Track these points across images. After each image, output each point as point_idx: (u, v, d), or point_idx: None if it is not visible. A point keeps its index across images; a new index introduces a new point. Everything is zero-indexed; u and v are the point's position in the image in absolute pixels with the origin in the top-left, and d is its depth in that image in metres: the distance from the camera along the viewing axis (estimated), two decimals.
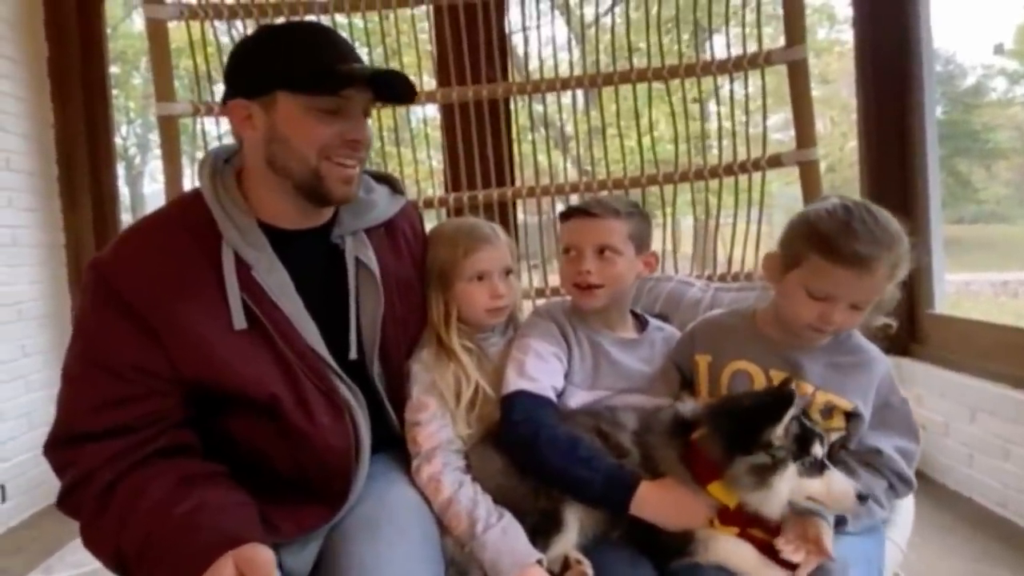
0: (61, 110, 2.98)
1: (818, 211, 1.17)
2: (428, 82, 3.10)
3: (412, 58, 2.58)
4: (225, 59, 1.27)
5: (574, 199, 2.40)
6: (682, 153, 2.34)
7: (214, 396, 1.10)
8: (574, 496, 1.15)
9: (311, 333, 1.13)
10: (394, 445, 1.25)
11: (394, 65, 2.39)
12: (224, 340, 1.08)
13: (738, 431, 1.08)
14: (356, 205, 1.23)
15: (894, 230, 1.14)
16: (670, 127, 2.37)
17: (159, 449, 1.07)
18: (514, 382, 1.23)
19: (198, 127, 2.45)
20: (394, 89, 1.15)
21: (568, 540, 1.13)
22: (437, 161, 2.90)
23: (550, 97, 2.43)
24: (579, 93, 2.49)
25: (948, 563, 2.09)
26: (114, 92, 3.38)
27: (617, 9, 2.58)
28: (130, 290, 1.07)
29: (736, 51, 2.27)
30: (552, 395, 1.25)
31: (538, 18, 2.99)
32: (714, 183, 2.37)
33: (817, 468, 1.08)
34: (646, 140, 2.42)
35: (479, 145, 2.43)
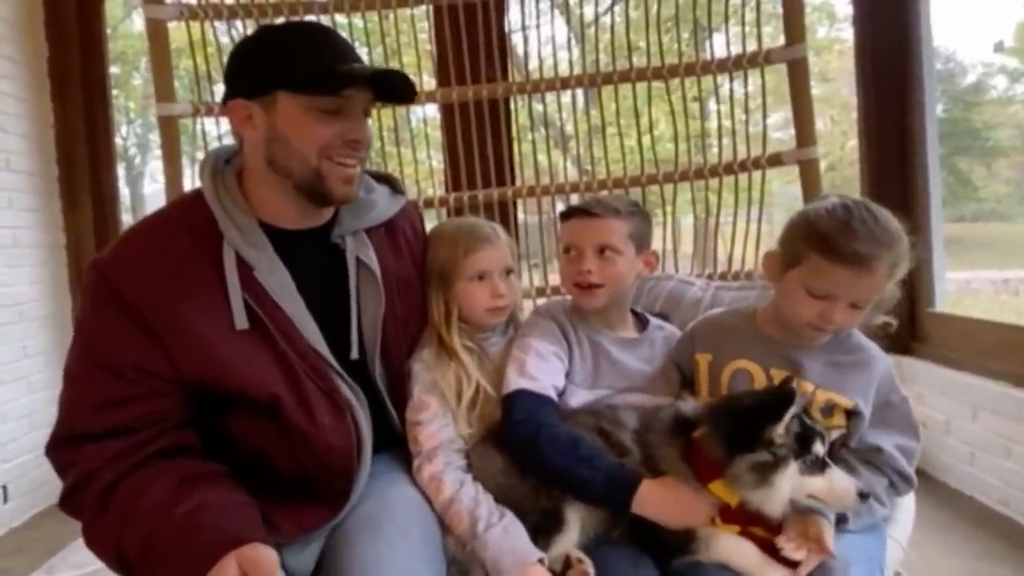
0: (61, 110, 2.98)
1: (818, 210, 1.17)
2: (428, 82, 3.10)
3: (412, 58, 2.58)
4: (225, 59, 1.27)
5: (574, 199, 2.41)
6: (682, 152, 2.34)
7: (215, 396, 1.10)
8: (575, 495, 1.15)
9: (312, 333, 1.13)
10: (395, 445, 1.25)
11: (394, 65, 2.39)
12: (225, 340, 1.08)
13: (739, 429, 1.08)
14: (356, 205, 1.23)
15: (894, 229, 1.14)
16: (670, 126, 2.37)
17: (160, 450, 1.07)
18: (515, 381, 1.23)
19: (198, 127, 2.46)
20: (394, 89, 1.15)
21: (569, 539, 1.13)
22: (437, 161, 2.90)
23: (550, 96, 2.43)
24: (579, 92, 2.49)
25: (949, 561, 2.09)
26: (114, 92, 3.39)
27: (617, 8, 2.58)
28: (131, 290, 1.07)
29: (736, 50, 2.27)
30: (553, 394, 1.25)
31: (538, 17, 2.99)
32: (714, 182, 2.37)
33: (818, 466, 1.08)
34: (646, 139, 2.43)
35: (479, 145, 2.43)
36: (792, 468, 1.06)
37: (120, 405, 1.06)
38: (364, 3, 2.36)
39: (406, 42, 2.50)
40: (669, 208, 2.35)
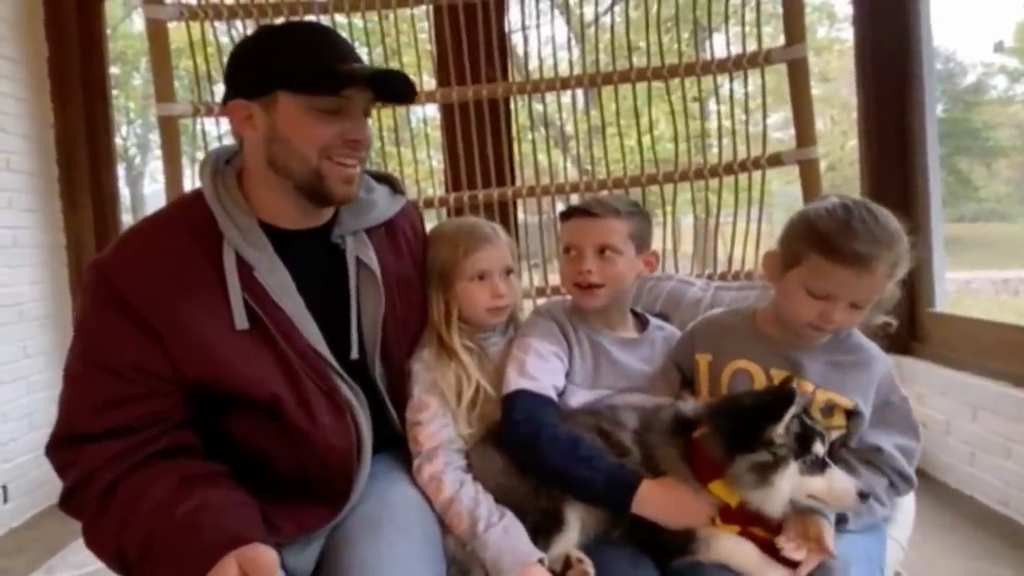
0: (61, 110, 2.98)
1: (818, 210, 1.17)
2: (428, 82, 3.10)
3: (412, 58, 2.58)
4: (225, 59, 1.27)
5: (574, 198, 2.41)
6: (682, 152, 2.34)
7: (215, 396, 1.10)
8: (575, 495, 1.15)
9: (312, 333, 1.13)
10: (395, 445, 1.25)
11: (394, 65, 2.39)
12: (225, 340, 1.08)
13: (739, 430, 1.08)
14: (356, 205, 1.24)
15: (893, 229, 1.14)
16: (670, 126, 2.37)
17: (160, 450, 1.07)
18: (515, 381, 1.23)
19: (198, 127, 2.46)
20: (394, 89, 1.15)
21: (569, 539, 1.13)
22: (437, 161, 2.90)
23: (550, 96, 2.43)
24: (579, 92, 2.49)
25: (950, 561, 2.09)
26: (114, 92, 3.38)
27: (617, 8, 2.58)
28: (131, 291, 1.07)
29: (736, 50, 2.28)
30: (553, 394, 1.25)
31: (538, 17, 2.99)
32: (714, 182, 2.37)
33: (818, 466, 1.08)
34: (646, 139, 2.43)
35: (479, 145, 2.43)
36: (792, 468, 1.06)
37: (120, 405, 1.06)
38: (364, 3, 2.36)
39: (406, 42, 2.50)
40: (669, 208, 2.35)
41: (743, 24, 2.27)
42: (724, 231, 2.39)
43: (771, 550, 1.09)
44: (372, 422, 1.17)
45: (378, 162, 2.46)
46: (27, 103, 2.86)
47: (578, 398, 1.28)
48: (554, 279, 2.27)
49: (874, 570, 1.18)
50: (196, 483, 1.05)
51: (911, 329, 2.80)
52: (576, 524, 1.14)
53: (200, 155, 2.29)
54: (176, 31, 2.42)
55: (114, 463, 1.05)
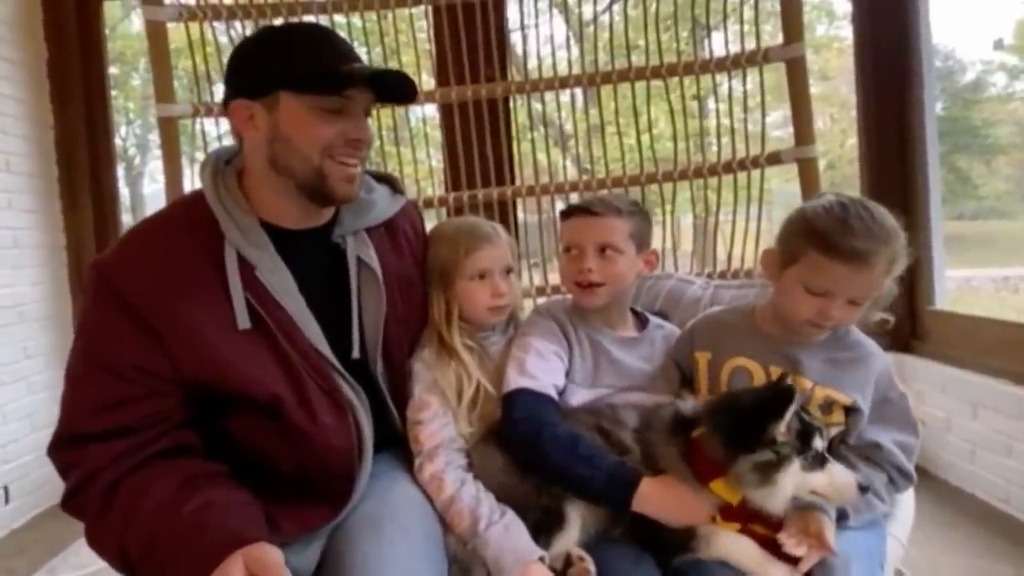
0: (61, 111, 2.98)
1: (815, 208, 1.17)
2: (427, 81, 3.09)
3: (411, 58, 2.57)
4: (224, 60, 1.28)
5: (574, 198, 2.40)
6: (681, 151, 2.34)
7: (216, 396, 1.10)
8: (576, 493, 1.15)
9: (314, 333, 1.14)
10: (396, 444, 1.25)
11: (393, 65, 2.39)
12: (227, 340, 1.08)
13: (741, 429, 1.08)
14: (357, 205, 1.24)
15: (890, 226, 1.15)
16: (669, 125, 2.36)
17: (161, 450, 1.08)
18: (515, 380, 1.24)
19: (198, 128, 2.45)
20: (395, 89, 1.16)
21: (570, 537, 1.13)
22: (437, 161, 2.90)
23: (549, 96, 2.42)
24: (578, 91, 2.49)
25: (950, 559, 2.09)
26: (113, 93, 3.38)
27: (616, 7, 2.58)
28: (132, 291, 1.07)
29: (735, 48, 2.27)
30: (553, 393, 1.25)
31: (537, 16, 2.99)
32: (713, 180, 2.37)
33: (819, 462, 1.08)
34: (645, 138, 2.42)
35: (479, 144, 2.43)
36: (795, 466, 1.06)
37: (121, 406, 1.06)
38: (363, 3, 2.36)
39: (405, 42, 2.50)
40: (669, 207, 2.35)
41: (742, 22, 2.27)
42: (723, 229, 2.38)
43: (772, 547, 1.09)
44: (373, 421, 1.18)
45: (378, 162, 2.46)
46: (27, 104, 2.86)
47: (578, 397, 1.28)
48: (554, 278, 2.27)
49: (874, 566, 1.18)
50: (198, 483, 1.05)
51: (911, 327, 2.80)
52: (577, 522, 1.14)
53: (199, 155, 2.29)
54: (175, 31, 2.41)
55: (116, 463, 1.05)
